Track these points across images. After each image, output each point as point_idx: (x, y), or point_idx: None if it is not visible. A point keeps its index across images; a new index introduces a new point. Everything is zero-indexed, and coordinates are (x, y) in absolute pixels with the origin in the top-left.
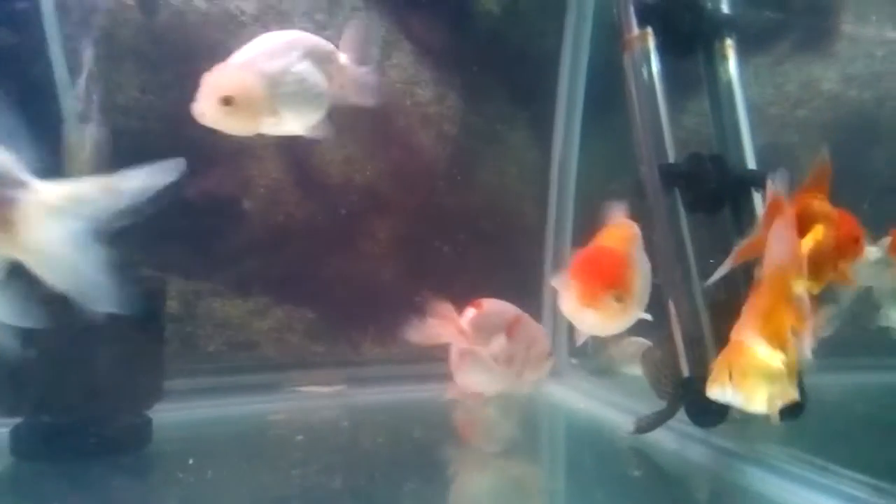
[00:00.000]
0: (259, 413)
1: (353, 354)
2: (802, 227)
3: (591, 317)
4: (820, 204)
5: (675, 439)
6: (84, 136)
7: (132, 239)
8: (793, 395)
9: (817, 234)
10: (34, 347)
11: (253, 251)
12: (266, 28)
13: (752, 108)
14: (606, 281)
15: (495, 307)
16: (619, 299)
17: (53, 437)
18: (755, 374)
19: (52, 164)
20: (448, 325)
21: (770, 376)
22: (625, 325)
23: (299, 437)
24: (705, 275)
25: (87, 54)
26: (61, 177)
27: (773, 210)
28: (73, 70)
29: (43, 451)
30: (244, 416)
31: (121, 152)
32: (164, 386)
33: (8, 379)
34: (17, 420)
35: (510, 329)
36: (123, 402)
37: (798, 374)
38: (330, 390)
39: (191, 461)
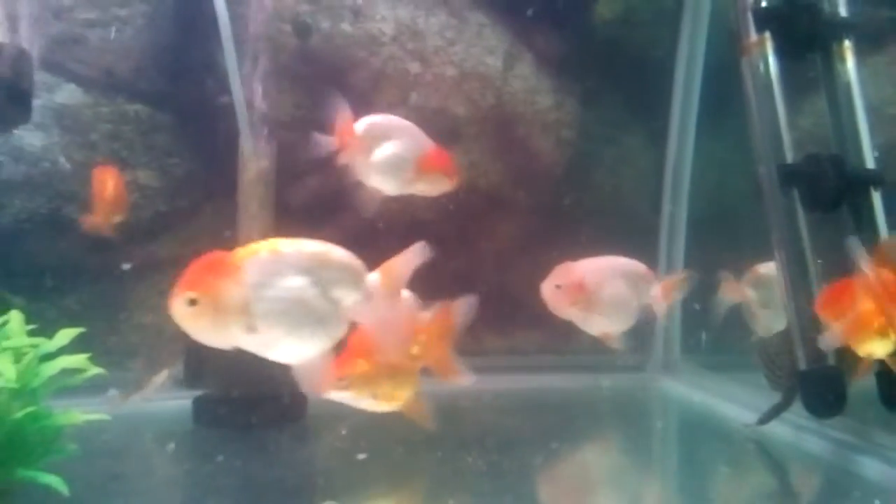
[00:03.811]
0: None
1: (475, 346)
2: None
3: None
4: None
5: (791, 431)
6: (256, 147)
7: (289, 237)
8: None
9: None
10: None
11: (386, 248)
12: (403, 48)
13: (869, 108)
14: (182, 281)
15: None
16: (192, 302)
17: (227, 407)
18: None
19: (228, 170)
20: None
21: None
22: (212, 333)
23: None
24: (821, 272)
25: (257, 76)
26: (233, 181)
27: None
28: (247, 90)
29: (218, 419)
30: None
31: (281, 162)
32: None
33: (192, 359)
34: (199, 392)
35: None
36: (284, 380)
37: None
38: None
39: (343, 432)
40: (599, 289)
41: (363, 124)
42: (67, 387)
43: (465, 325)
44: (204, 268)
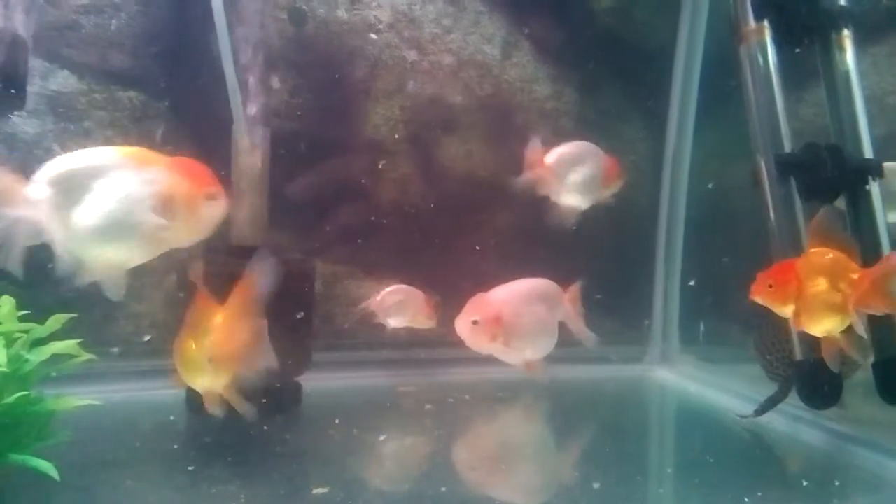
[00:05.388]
0: (389, 384)
1: None
2: None
3: None
4: None
5: (787, 422)
6: (250, 135)
7: (283, 227)
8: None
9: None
10: None
11: (384, 238)
12: (400, 35)
13: (870, 98)
14: None
15: None
16: None
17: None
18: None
19: (225, 158)
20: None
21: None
22: None
23: (428, 407)
24: None
25: (252, 63)
26: (229, 170)
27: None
28: (241, 77)
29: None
30: (377, 387)
31: (275, 149)
32: (311, 356)
33: None
34: None
35: None
36: (280, 369)
37: None
38: None
39: (337, 421)
40: (518, 319)
41: (553, 155)
42: (59, 372)
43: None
44: None
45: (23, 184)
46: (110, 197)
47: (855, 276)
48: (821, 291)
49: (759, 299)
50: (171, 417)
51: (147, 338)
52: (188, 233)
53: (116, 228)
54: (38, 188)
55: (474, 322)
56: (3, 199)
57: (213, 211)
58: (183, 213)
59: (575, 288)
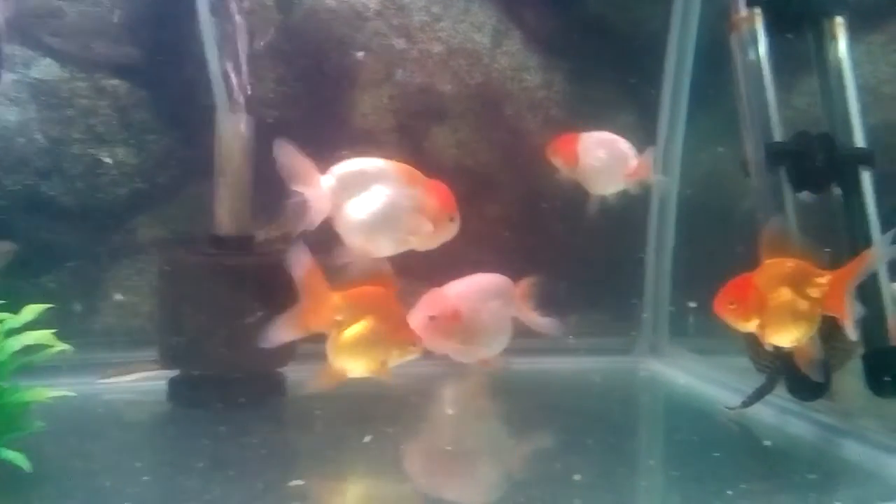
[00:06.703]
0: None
1: None
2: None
3: None
4: None
5: (775, 413)
6: (233, 125)
7: (267, 217)
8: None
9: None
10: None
11: None
12: (388, 22)
13: (865, 87)
14: None
15: None
16: None
17: (204, 387)
18: None
19: (208, 147)
20: None
21: None
22: None
23: (413, 398)
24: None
25: (236, 51)
26: (213, 159)
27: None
28: (224, 65)
29: (194, 399)
30: (363, 379)
31: (261, 140)
32: (296, 347)
33: (168, 339)
34: (175, 372)
35: None
36: (263, 360)
37: None
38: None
39: (318, 412)
40: (477, 315)
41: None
42: (34, 363)
43: None
44: None
45: (318, 172)
46: (378, 200)
47: (823, 280)
48: (785, 301)
49: (723, 318)
50: (150, 409)
51: (118, 297)
52: (426, 242)
53: (376, 225)
54: (329, 178)
55: (431, 318)
56: (302, 180)
57: (448, 230)
58: (427, 227)
59: (525, 283)
